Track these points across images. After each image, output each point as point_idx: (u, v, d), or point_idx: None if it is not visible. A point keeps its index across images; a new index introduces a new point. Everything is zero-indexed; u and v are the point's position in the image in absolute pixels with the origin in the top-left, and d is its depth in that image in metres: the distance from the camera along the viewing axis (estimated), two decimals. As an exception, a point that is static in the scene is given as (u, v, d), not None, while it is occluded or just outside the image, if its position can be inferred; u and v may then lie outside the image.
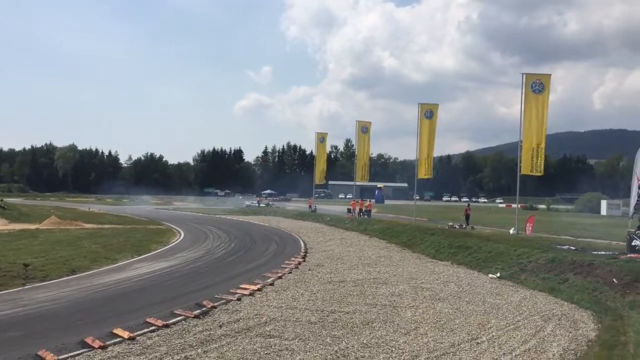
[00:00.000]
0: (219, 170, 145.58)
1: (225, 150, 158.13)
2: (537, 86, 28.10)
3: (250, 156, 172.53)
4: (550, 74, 29.32)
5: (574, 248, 21.42)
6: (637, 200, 19.87)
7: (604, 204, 71.96)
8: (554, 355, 9.97)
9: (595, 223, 42.75)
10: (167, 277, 17.81)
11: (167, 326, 11.16)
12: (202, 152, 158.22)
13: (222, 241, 29.51)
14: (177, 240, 30.08)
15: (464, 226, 33.51)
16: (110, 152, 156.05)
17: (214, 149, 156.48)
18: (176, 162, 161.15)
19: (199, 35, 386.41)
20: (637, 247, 17.98)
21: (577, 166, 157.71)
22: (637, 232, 18.63)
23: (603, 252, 19.60)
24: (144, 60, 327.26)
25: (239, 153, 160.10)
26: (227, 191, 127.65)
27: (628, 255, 17.89)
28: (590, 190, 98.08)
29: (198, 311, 12.56)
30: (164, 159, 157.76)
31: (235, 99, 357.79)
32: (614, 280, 15.63)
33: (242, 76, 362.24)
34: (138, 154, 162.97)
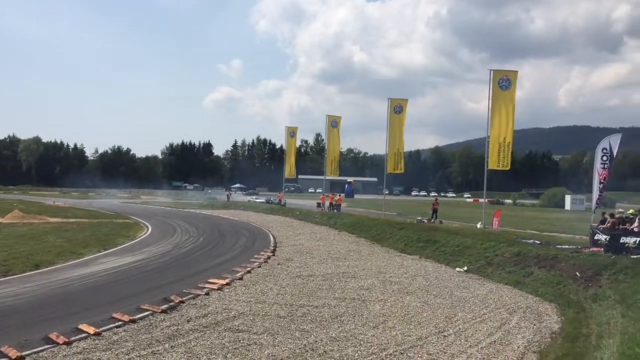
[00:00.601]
0: (188, 164, 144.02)
1: (194, 143, 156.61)
2: (504, 82, 28.47)
3: (219, 150, 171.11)
4: (517, 71, 29.74)
5: (538, 242, 21.82)
6: (599, 195, 20.34)
7: (568, 198, 73.51)
8: (518, 347, 10.16)
9: (560, 217, 43.66)
10: (134, 272, 17.57)
11: (133, 321, 11.02)
12: (171, 145, 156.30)
13: (191, 235, 29.24)
14: (144, 234, 29.69)
15: (433, 220, 33.85)
16: (75, 145, 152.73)
17: (182, 143, 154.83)
18: (144, 156, 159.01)
19: (168, 27, 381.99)
20: (599, 241, 18.40)
21: (543, 162, 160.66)
22: (599, 226, 19.07)
23: (567, 246, 20.01)
24: (112, 52, 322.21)
25: (208, 146, 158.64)
26: (196, 185, 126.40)
27: (591, 249, 18.30)
28: (555, 185, 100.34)
29: (165, 306, 12.43)
30: (132, 152, 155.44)
31: (205, 92, 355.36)
32: (577, 273, 15.99)
33: (212, 69, 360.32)
34: (105, 147, 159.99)
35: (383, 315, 12.36)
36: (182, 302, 12.99)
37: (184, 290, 14.29)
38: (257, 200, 70.64)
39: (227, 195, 78.21)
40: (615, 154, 20.45)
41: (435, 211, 35.16)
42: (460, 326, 11.58)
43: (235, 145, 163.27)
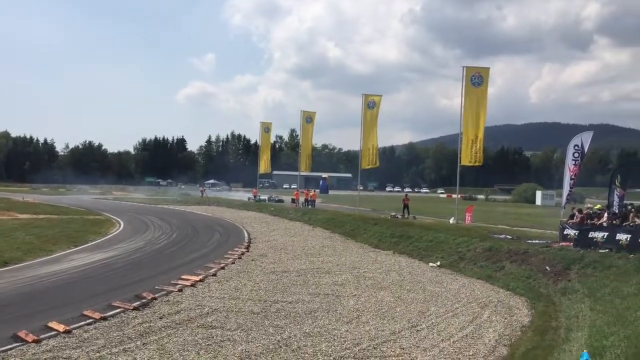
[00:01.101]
0: (161, 160, 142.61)
1: (167, 139, 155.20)
2: (476, 79, 28.78)
3: (193, 145, 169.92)
4: (489, 68, 30.11)
5: (510, 237, 22.14)
6: (569, 191, 20.71)
7: (539, 194, 74.80)
8: (489, 341, 10.30)
9: (531, 213, 44.38)
10: (105, 269, 17.32)
11: (104, 319, 10.87)
12: (144, 140, 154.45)
13: (164, 232, 28.95)
14: (116, 230, 29.31)
15: (406, 216, 34.11)
16: (45, 140, 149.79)
17: (156, 138, 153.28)
18: (116, 151, 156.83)
19: (140, 20, 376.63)
20: (568, 236, 18.74)
21: (514, 158, 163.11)
22: (569, 221, 19.42)
23: (537, 241, 20.33)
24: (83, 45, 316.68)
25: (181, 142, 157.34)
26: (170, 181, 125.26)
27: (560, 244, 18.63)
28: (526, 181, 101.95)
29: (137, 303, 12.28)
30: (103, 148, 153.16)
31: (179, 86, 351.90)
32: (547, 267, 16.27)
33: (186, 64, 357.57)
34: (76, 142, 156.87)
35: (357, 310, 12.41)
36: (155, 298, 12.86)
37: (156, 287, 14.14)
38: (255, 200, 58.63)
39: (201, 191, 77.71)
40: (586, 150, 20.86)
41: (406, 206, 35.47)
42: (433, 320, 11.69)
43: (209, 141, 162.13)
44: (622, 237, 16.50)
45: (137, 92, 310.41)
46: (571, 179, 20.47)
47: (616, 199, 18.80)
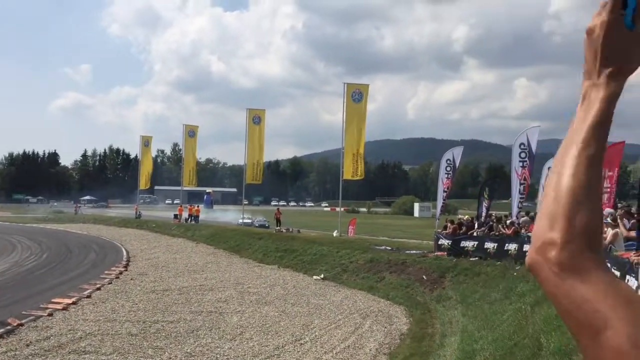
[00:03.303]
0: (31, 175, 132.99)
1: (38, 153, 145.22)
2: (356, 95, 29.74)
3: (67, 160, 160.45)
4: (369, 85, 31.27)
5: (389, 248, 22.92)
6: (443, 203, 21.92)
7: (416, 206, 78.51)
8: (370, 350, 10.57)
9: (409, 224, 46.41)
10: (-37, 295, 15.78)
11: (-39, 350, 9.89)
12: (11, 155, 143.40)
13: (33, 252, 26.94)
14: (-23, 252, 26.85)
15: (279, 228, 34.58)
16: None
17: (25, 152, 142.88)
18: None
19: (5, 26, 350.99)
20: (443, 246, 19.77)
21: (394, 172, 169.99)
22: (442, 231, 20.50)
23: (415, 251, 21.24)
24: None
25: (54, 156, 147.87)
26: (40, 197, 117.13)
27: (435, 254, 19.60)
28: (405, 194, 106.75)
29: (2, 330, 11.30)
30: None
31: (50, 97, 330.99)
32: (424, 277, 17.05)
33: (58, 73, 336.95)
34: None
35: (240, 326, 12.25)
36: (21, 325, 11.89)
37: (23, 312, 13.09)
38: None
39: (75, 208, 73.53)
40: (457, 164, 22.23)
41: (278, 220, 35.99)
42: (316, 333, 11.80)
43: (84, 155, 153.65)
44: (490, 245, 17.67)
45: (3, 103, 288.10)
46: (444, 191, 21.70)
47: (484, 210, 20.15)
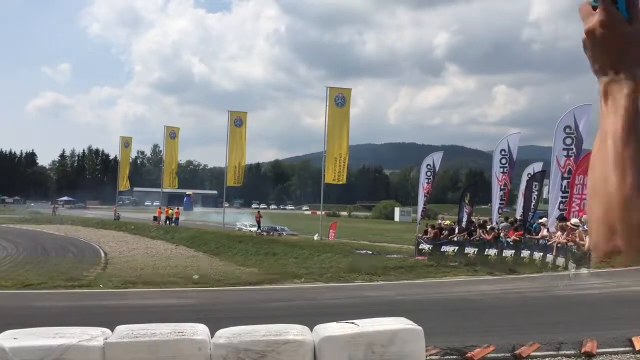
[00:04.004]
0: (8, 175, 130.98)
1: (14, 152, 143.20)
2: (339, 99, 29.77)
3: (45, 160, 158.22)
4: (351, 89, 31.34)
5: (370, 252, 22.98)
6: (424, 207, 22.04)
7: (397, 211, 78.81)
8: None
9: (390, 229, 46.50)
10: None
11: None
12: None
13: (9, 253, 26.49)
14: (-50, 253, 26.33)
15: (259, 231, 34.60)
16: None
17: (1, 151, 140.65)
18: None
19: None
20: (423, 250, 19.86)
21: (375, 176, 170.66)
22: (423, 236, 20.60)
23: (395, 256, 21.30)
24: None
25: (31, 156, 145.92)
26: (17, 198, 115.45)
27: (416, 258, 19.68)
28: (386, 198, 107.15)
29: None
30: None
31: (28, 97, 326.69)
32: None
33: (36, 72, 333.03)
34: None
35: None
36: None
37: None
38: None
39: (53, 208, 72.66)
40: (437, 169, 22.37)
41: (258, 223, 36.10)
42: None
43: (63, 155, 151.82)
44: (470, 250, 17.80)
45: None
46: (425, 196, 21.83)
47: (465, 215, 20.30)
